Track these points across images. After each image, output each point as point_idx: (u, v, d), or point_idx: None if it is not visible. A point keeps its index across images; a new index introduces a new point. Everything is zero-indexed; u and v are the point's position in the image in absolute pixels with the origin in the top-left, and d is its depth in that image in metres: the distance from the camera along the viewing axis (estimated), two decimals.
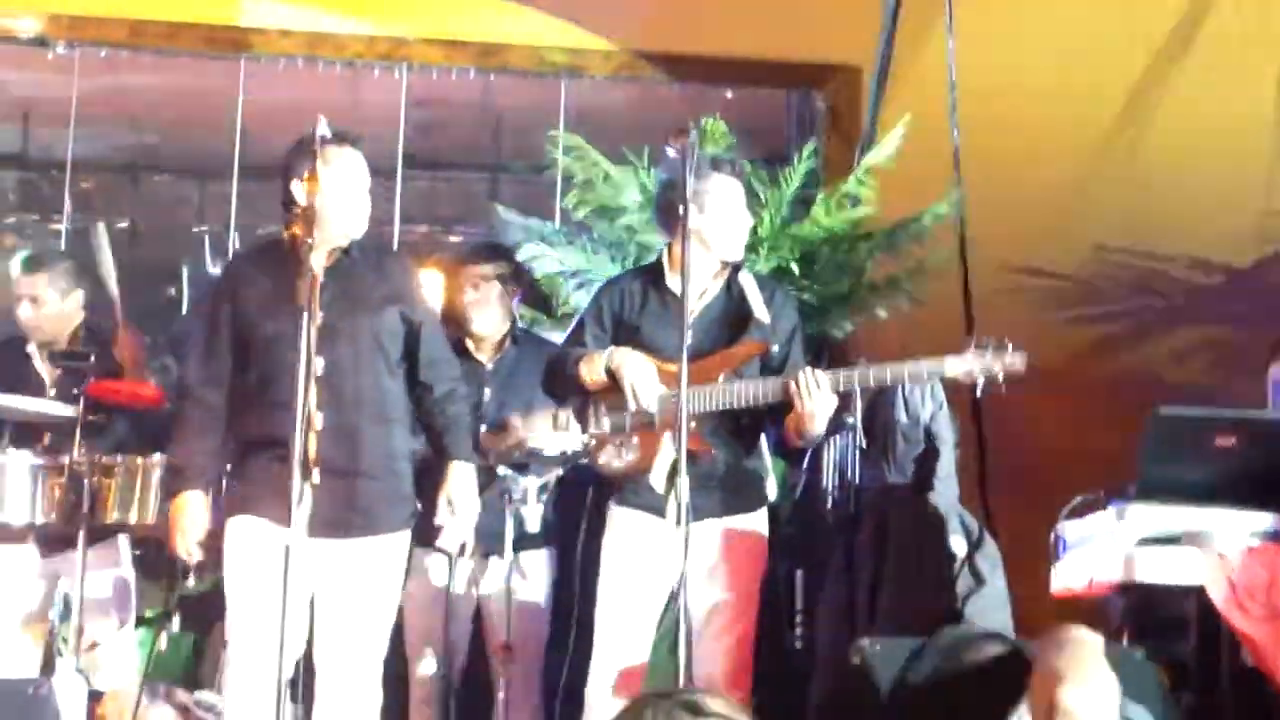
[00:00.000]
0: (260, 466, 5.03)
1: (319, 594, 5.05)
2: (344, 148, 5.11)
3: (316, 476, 4.58)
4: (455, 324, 6.25)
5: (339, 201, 5.06)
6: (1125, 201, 8.09)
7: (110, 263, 6.35)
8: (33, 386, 6.22)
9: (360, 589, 5.08)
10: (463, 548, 5.78)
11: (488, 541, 5.90)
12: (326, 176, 4.95)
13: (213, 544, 5.20)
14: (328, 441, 4.69)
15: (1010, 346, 5.18)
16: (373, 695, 5.14)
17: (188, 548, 5.12)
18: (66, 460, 5.81)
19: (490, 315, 6.27)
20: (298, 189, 5.02)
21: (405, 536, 5.24)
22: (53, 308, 6.40)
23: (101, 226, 6.61)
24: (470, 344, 6.24)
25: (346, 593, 5.06)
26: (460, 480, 5.29)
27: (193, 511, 5.11)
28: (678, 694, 2.76)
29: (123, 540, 6.19)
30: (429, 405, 5.30)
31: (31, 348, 6.41)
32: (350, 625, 5.08)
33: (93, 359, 6.19)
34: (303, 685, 5.07)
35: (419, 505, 5.36)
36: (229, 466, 5.25)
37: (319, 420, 4.63)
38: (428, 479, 5.40)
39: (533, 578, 6.06)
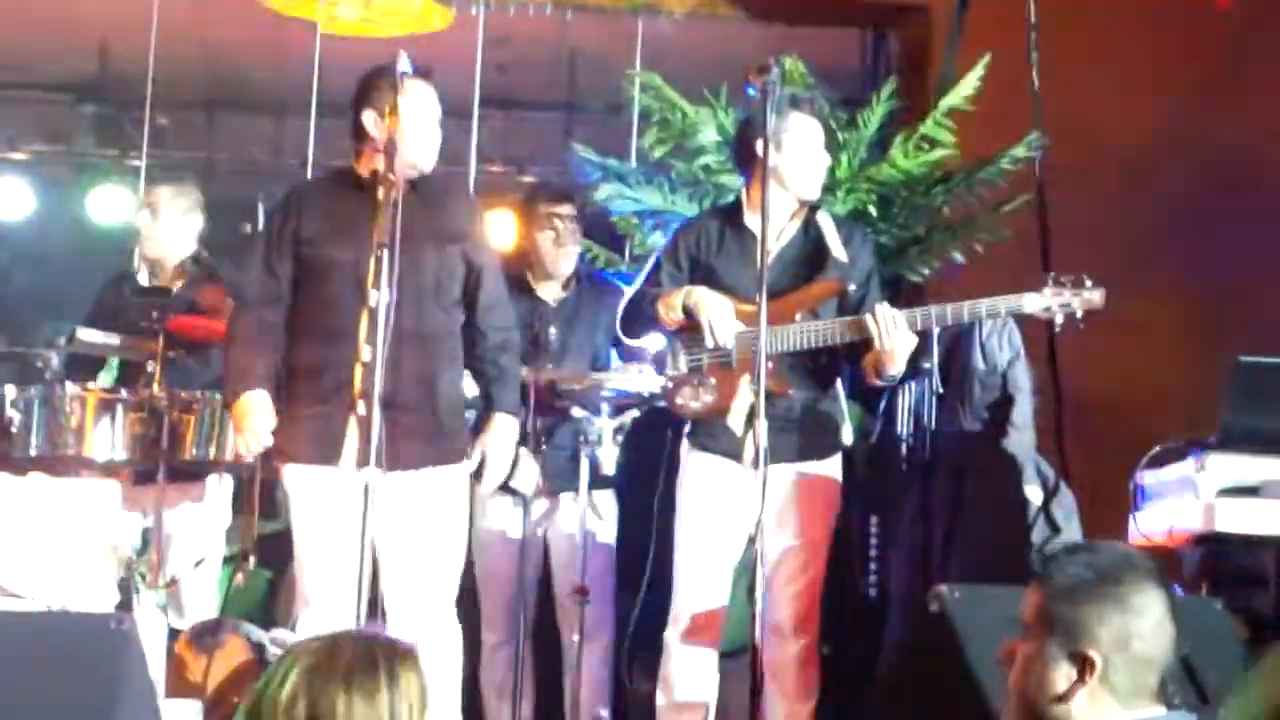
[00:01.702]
0: (304, 403, 5.04)
1: (380, 531, 4.92)
2: (415, 81, 5.06)
3: (362, 408, 4.58)
4: (526, 261, 6.25)
5: (410, 135, 5.02)
6: (1213, 142, 7.96)
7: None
8: (128, 323, 6.25)
9: (421, 521, 5.04)
10: (537, 489, 5.79)
11: (559, 481, 5.92)
12: (400, 109, 4.93)
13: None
14: (384, 374, 4.67)
15: (1089, 282, 5.15)
16: (452, 632, 5.13)
17: (258, 443, 5.06)
18: (147, 395, 5.84)
19: (571, 254, 6.27)
20: (370, 120, 5.00)
21: (463, 469, 5.19)
22: (169, 224, 6.46)
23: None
24: (534, 282, 6.24)
25: (408, 526, 5.01)
26: (501, 432, 5.26)
27: (258, 409, 5.03)
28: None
29: (214, 479, 6.23)
30: (481, 351, 5.27)
31: (140, 281, 6.47)
32: (416, 560, 5.04)
33: (173, 293, 6.24)
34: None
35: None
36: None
37: (366, 353, 4.63)
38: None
39: (605, 518, 6.08)
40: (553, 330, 6.04)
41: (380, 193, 4.74)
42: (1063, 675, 3.06)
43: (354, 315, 4.68)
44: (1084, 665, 3.03)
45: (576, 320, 6.23)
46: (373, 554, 4.89)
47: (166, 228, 6.45)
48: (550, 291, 6.27)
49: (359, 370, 4.60)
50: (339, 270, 4.97)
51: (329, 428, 4.87)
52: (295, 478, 5.10)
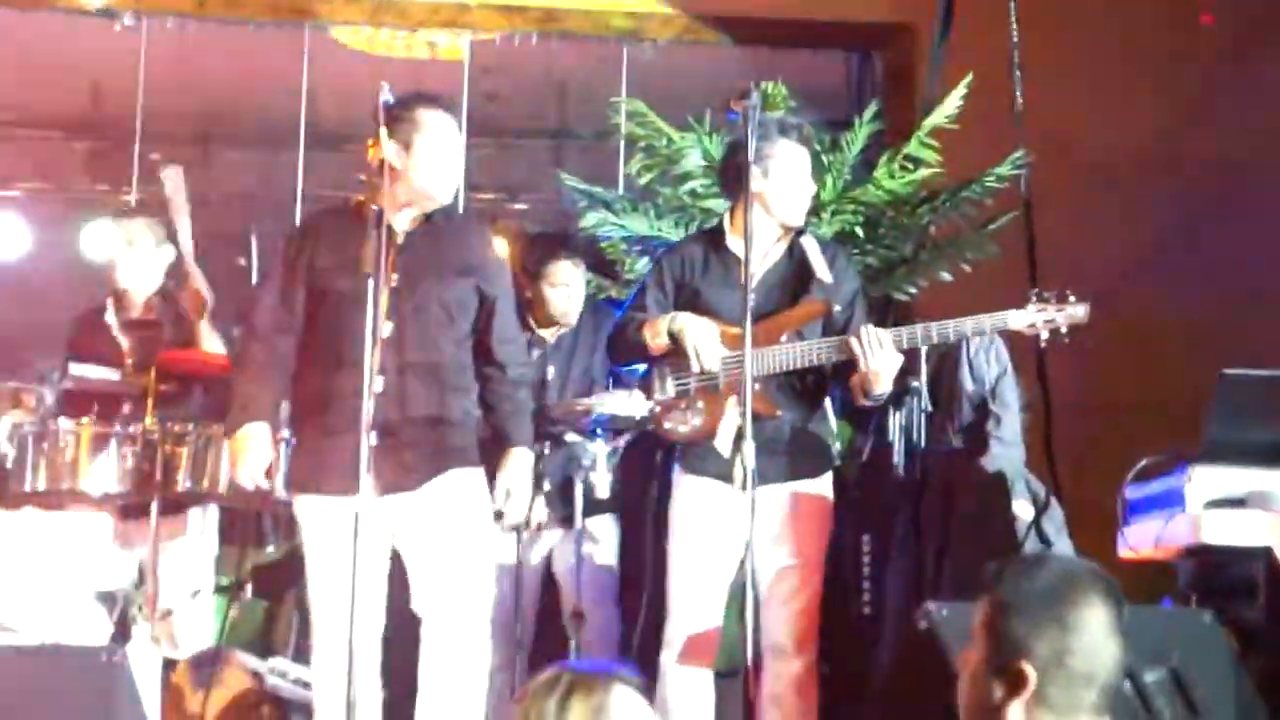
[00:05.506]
0: (318, 434, 5.03)
1: (404, 550, 5.01)
2: (436, 111, 5.08)
3: (374, 438, 4.61)
4: (528, 305, 6.22)
5: (426, 166, 5.03)
6: (1197, 158, 7.99)
7: (185, 204, 6.35)
8: (111, 356, 6.27)
9: (443, 528, 5.01)
10: (528, 522, 5.79)
11: (558, 509, 5.94)
12: (418, 141, 4.98)
13: (285, 510, 5.23)
14: (390, 404, 4.74)
15: (1072, 297, 5.17)
16: (481, 646, 5.05)
17: (253, 478, 5.04)
18: (139, 429, 5.86)
19: (578, 305, 6.30)
20: (387, 151, 4.95)
21: (478, 474, 5.12)
22: (145, 254, 6.45)
23: (178, 168, 6.50)
24: (535, 325, 6.25)
25: (430, 537, 5.00)
26: (520, 466, 5.22)
27: (256, 443, 5.02)
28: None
29: (201, 510, 6.24)
30: (499, 385, 5.22)
31: (110, 317, 6.47)
32: (443, 568, 4.99)
33: (165, 328, 6.26)
34: (390, 665, 5.06)
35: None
36: (289, 435, 5.24)
37: (379, 384, 4.68)
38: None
39: (603, 543, 6.10)
40: (551, 369, 6.08)
41: (377, 223, 4.76)
42: (998, 687, 3.07)
43: (362, 346, 4.69)
44: (1018, 679, 3.04)
45: (575, 352, 6.25)
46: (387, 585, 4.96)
47: (142, 260, 6.46)
48: (548, 328, 6.30)
49: (367, 401, 4.62)
50: (347, 301, 4.94)
51: (339, 459, 4.80)
52: (306, 508, 5.07)
